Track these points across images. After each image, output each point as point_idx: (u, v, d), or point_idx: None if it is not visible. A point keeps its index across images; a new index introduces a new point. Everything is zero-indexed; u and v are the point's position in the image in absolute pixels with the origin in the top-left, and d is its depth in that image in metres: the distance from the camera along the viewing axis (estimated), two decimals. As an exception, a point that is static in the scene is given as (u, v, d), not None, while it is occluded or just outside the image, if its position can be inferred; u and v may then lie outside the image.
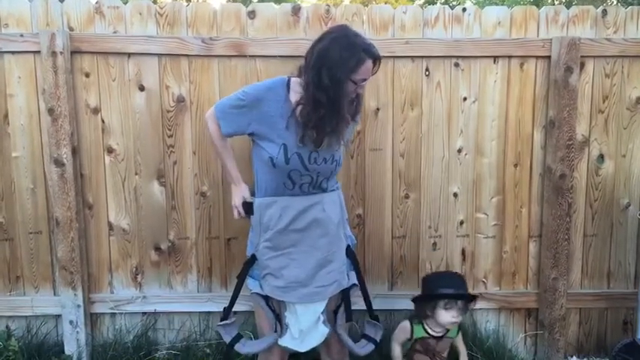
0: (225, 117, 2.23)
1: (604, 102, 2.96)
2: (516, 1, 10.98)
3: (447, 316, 2.58)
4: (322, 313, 2.23)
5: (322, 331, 2.25)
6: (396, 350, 2.73)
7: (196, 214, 2.97)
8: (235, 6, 2.86)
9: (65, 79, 2.75)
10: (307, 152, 2.13)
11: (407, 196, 3.01)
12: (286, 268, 2.18)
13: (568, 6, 2.96)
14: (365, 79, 2.08)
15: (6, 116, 2.85)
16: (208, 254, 3.01)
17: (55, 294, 3.00)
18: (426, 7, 2.99)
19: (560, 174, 2.91)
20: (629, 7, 2.97)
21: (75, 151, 2.83)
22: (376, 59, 2.07)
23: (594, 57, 2.91)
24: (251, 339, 2.45)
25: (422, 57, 2.90)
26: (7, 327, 3.01)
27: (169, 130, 2.90)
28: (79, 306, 2.91)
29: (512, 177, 3.01)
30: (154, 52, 2.82)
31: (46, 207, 2.92)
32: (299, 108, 2.10)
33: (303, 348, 2.24)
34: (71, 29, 2.81)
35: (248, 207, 2.28)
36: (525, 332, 3.12)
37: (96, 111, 2.87)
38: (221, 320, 2.36)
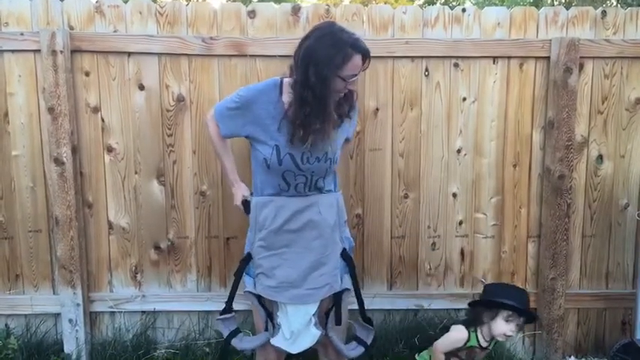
0: (223, 119, 2.24)
1: (603, 103, 2.97)
2: (516, 1, 10.98)
3: (505, 328, 2.49)
4: (314, 315, 2.22)
5: (314, 334, 2.24)
6: (440, 358, 2.58)
7: (196, 213, 2.97)
8: (235, 5, 2.86)
9: (65, 77, 2.75)
10: (299, 152, 2.12)
11: (406, 196, 3.01)
12: (278, 268, 2.18)
13: (567, 7, 2.96)
14: (354, 75, 2.06)
15: (6, 115, 2.86)
16: (208, 253, 3.02)
17: (54, 292, 3.00)
18: (425, 8, 3.00)
19: (559, 174, 2.91)
20: (629, 8, 2.97)
21: (75, 150, 2.84)
22: (364, 54, 2.05)
23: (593, 58, 2.92)
24: (249, 336, 2.45)
25: (421, 57, 2.90)
26: (6, 325, 3.01)
27: (169, 129, 2.90)
28: (78, 305, 2.91)
29: (511, 177, 3.01)
30: (154, 51, 2.83)
31: (46, 206, 2.93)
32: (291, 108, 2.10)
33: (294, 349, 2.24)
34: (71, 28, 2.81)
35: (246, 205, 2.29)
36: (524, 332, 3.12)
37: (96, 110, 2.88)
38: (220, 315, 2.37)
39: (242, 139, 2.27)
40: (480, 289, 3.03)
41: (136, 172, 2.93)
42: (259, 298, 2.23)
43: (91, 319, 3.02)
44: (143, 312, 3.04)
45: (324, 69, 1.98)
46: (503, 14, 2.91)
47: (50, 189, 2.87)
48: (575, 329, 3.16)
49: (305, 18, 2.86)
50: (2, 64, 2.82)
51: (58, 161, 2.80)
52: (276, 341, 2.23)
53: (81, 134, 2.88)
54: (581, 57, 2.87)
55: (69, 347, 2.94)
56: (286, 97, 2.12)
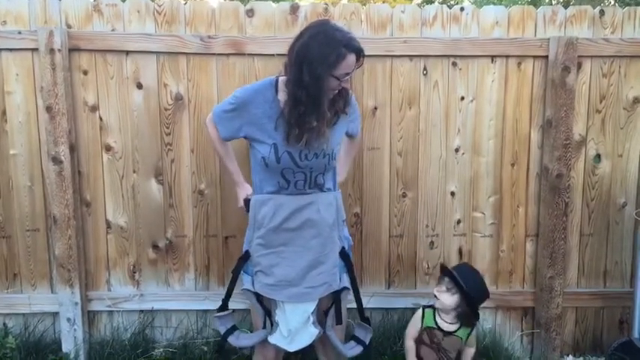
0: (221, 121, 2.25)
1: (601, 102, 2.97)
2: (514, 0, 10.98)
3: (450, 298, 2.55)
4: (312, 313, 2.22)
5: (312, 332, 2.24)
6: (409, 343, 2.67)
7: (194, 212, 2.97)
8: (234, 4, 2.86)
9: (63, 76, 2.75)
10: (297, 150, 2.12)
11: (404, 195, 3.01)
12: (277, 266, 2.18)
13: (565, 6, 2.96)
14: (347, 74, 2.05)
15: (4, 113, 2.85)
16: (206, 252, 3.01)
17: (52, 291, 3.00)
18: (424, 7, 3.00)
19: (557, 173, 2.92)
20: (627, 7, 2.98)
21: (73, 149, 2.83)
22: (358, 53, 2.05)
23: (591, 57, 2.92)
24: (247, 334, 2.45)
25: (420, 56, 2.90)
26: (4, 324, 3.01)
27: (167, 128, 2.90)
28: (76, 304, 2.91)
29: (509, 176, 3.02)
30: (152, 50, 2.82)
31: (44, 204, 2.92)
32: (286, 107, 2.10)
33: (291, 348, 2.24)
34: (69, 27, 2.80)
35: (248, 205, 2.28)
36: (522, 331, 3.13)
37: (94, 109, 2.87)
38: (217, 312, 2.37)
39: (240, 140, 2.27)
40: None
41: (134, 171, 2.93)
42: (257, 296, 2.23)
43: (89, 318, 3.02)
44: (141, 311, 3.03)
45: (318, 68, 1.97)
46: (501, 13, 2.91)
47: (48, 188, 2.86)
48: (573, 328, 3.16)
49: (303, 17, 2.86)
50: (0, 63, 2.81)
51: (56, 160, 2.79)
52: (274, 339, 2.23)
53: (79, 133, 2.87)
54: (579, 56, 2.87)
55: (67, 346, 2.94)
56: (282, 96, 2.12)
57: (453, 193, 3.02)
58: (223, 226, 2.99)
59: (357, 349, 2.38)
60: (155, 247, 3.00)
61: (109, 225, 2.97)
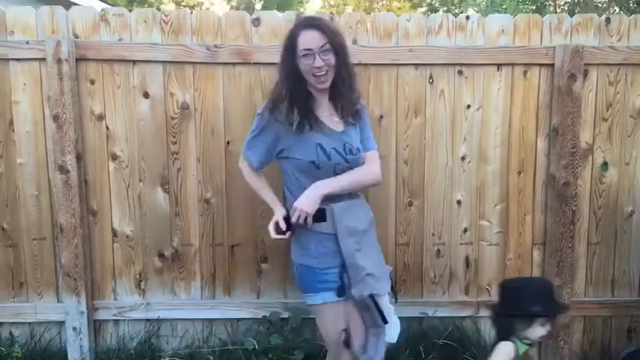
0: (251, 147, 2.30)
1: (608, 110, 2.96)
2: (518, 8, 11.01)
3: (542, 330, 2.26)
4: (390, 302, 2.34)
5: (396, 321, 2.38)
6: None
7: (200, 220, 2.97)
8: (240, 13, 2.87)
9: (70, 86, 2.76)
10: (340, 144, 2.18)
11: (410, 204, 3.01)
12: (371, 265, 2.21)
13: (571, 14, 2.96)
14: (309, 50, 2.10)
15: (11, 123, 2.87)
16: (212, 261, 3.01)
17: (58, 300, 3.00)
18: (429, 15, 3.00)
19: (563, 182, 2.90)
20: (633, 15, 2.97)
21: (79, 158, 2.84)
22: (306, 25, 2.14)
23: (598, 65, 2.91)
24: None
25: (425, 64, 2.90)
26: (10, 333, 3.01)
27: (173, 137, 2.91)
28: (82, 312, 2.91)
29: (515, 184, 3.01)
30: (159, 59, 2.84)
31: (50, 213, 2.93)
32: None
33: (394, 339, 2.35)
34: (76, 37, 2.82)
35: (320, 214, 2.17)
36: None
37: (100, 118, 2.88)
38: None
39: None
40: (484, 297, 3.03)
41: (140, 180, 2.93)
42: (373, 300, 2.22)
43: (95, 327, 3.02)
44: (147, 320, 3.03)
45: (284, 60, 2.19)
46: (507, 21, 2.91)
47: (55, 197, 2.87)
48: (581, 337, 3.14)
49: (309, 26, 2.86)
50: (8, 73, 2.83)
51: (62, 169, 2.80)
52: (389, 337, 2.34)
53: (86, 142, 2.88)
54: (585, 64, 2.87)
55: (73, 355, 2.94)
56: None
57: (459, 202, 3.01)
58: (229, 234, 2.98)
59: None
60: (161, 255, 2.99)
61: (115, 234, 2.97)
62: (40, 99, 2.85)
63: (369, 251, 2.25)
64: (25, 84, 2.84)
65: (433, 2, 17.55)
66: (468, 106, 2.95)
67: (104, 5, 6.85)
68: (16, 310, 2.99)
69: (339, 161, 2.16)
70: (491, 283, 3.06)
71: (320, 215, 2.17)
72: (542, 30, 2.91)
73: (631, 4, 10.09)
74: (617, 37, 2.93)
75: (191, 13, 2.87)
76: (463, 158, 2.98)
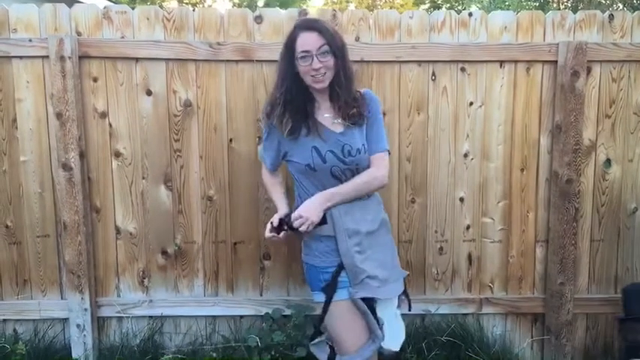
0: (265, 150, 2.38)
1: (611, 106, 2.96)
2: (521, 5, 10.97)
3: None
4: (398, 307, 2.35)
5: (401, 326, 2.35)
6: None
7: (203, 218, 2.98)
8: (242, 11, 2.87)
9: (73, 83, 2.76)
10: (338, 146, 2.16)
11: (413, 201, 3.01)
12: (376, 267, 2.20)
13: (574, 11, 2.95)
14: (307, 52, 2.10)
15: (14, 120, 2.87)
16: (215, 258, 3.02)
17: (62, 297, 3.01)
18: (432, 12, 2.99)
19: (566, 179, 2.90)
20: (636, 11, 2.96)
21: (82, 155, 2.85)
22: (304, 27, 2.13)
23: (601, 62, 2.91)
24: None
25: (428, 61, 2.90)
26: (14, 330, 3.02)
27: (176, 134, 2.91)
28: (86, 309, 2.92)
29: (518, 181, 3.00)
30: (162, 56, 2.84)
31: (54, 211, 2.94)
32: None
33: (394, 346, 2.29)
34: (79, 34, 2.82)
35: (322, 218, 2.17)
36: (532, 337, 3.11)
37: (103, 115, 2.89)
38: (310, 339, 2.39)
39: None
40: (486, 294, 3.03)
41: (143, 177, 2.94)
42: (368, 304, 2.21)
43: (99, 324, 3.03)
44: (150, 317, 3.04)
45: (282, 63, 2.19)
46: (510, 18, 2.90)
47: (58, 194, 2.88)
48: (584, 334, 3.14)
49: (311, 23, 2.86)
50: (11, 70, 2.84)
51: (66, 166, 2.81)
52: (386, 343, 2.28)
53: (89, 139, 2.89)
54: (588, 61, 2.86)
55: (77, 352, 2.95)
56: None
57: (462, 199, 3.01)
58: (232, 232, 2.99)
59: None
60: (164, 253, 3.00)
61: (118, 231, 2.98)
62: (43, 97, 2.86)
63: (376, 253, 2.23)
64: (28, 82, 2.84)
65: (436, -1, 17.52)
66: (471, 103, 2.94)
67: (107, 3, 6.85)
68: (19, 307, 3.00)
69: (335, 164, 2.15)
70: (494, 280, 3.06)
71: (321, 219, 2.18)
72: (545, 27, 2.91)
73: (635, 1, 10.04)
74: (621, 33, 2.92)
75: (193, 10, 2.87)
76: (466, 155, 2.98)
